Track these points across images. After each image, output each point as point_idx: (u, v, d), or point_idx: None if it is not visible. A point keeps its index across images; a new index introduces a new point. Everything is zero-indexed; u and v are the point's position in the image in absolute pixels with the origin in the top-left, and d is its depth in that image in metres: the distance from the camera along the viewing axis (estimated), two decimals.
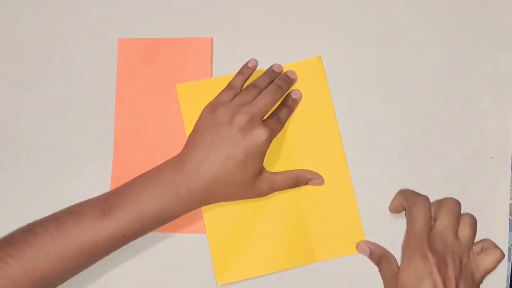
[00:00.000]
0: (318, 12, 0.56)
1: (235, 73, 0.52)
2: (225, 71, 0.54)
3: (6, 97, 0.56)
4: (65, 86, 0.55)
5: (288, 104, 0.52)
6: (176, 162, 0.47)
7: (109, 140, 0.54)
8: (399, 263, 0.48)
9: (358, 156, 0.53)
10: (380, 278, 0.49)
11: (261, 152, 0.47)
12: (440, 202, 0.48)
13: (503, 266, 0.51)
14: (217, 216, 0.51)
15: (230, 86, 0.51)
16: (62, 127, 0.55)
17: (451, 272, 0.44)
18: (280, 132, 0.51)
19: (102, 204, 0.44)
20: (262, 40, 0.55)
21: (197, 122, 0.49)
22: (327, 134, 0.53)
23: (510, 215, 0.52)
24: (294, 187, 0.51)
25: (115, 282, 0.52)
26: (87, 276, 0.52)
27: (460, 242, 0.46)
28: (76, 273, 0.46)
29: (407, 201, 0.49)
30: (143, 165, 0.49)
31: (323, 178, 0.52)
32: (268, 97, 0.49)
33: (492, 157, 0.53)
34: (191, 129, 0.49)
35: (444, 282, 0.43)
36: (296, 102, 0.53)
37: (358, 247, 0.51)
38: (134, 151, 0.54)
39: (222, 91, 0.51)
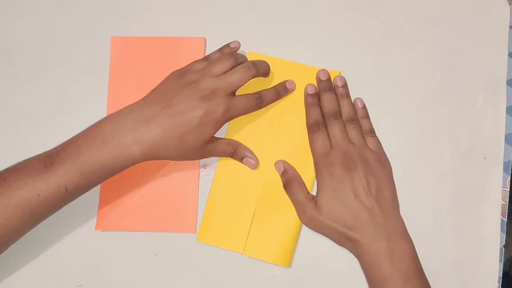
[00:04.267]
0: (311, 13, 0.56)
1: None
2: None
3: None
4: (58, 84, 0.55)
5: (277, 89, 0.52)
6: (125, 111, 0.46)
7: None
8: None
9: None
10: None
11: (215, 123, 0.47)
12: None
13: (495, 266, 0.51)
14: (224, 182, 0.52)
15: (205, 58, 0.50)
16: (54, 125, 0.54)
17: (360, 172, 0.48)
18: (271, 124, 0.52)
19: (44, 160, 0.43)
20: (254, 40, 0.55)
21: (163, 81, 0.48)
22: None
23: (502, 216, 0.52)
24: (229, 157, 0.51)
25: (108, 282, 0.52)
26: (79, 275, 0.52)
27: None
28: (22, 232, 0.44)
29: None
30: None
31: (258, 161, 0.51)
32: (238, 74, 0.48)
33: (484, 158, 0.53)
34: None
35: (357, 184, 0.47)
36: (287, 91, 0.53)
37: (276, 164, 0.52)
38: None
39: (196, 61, 0.50)
